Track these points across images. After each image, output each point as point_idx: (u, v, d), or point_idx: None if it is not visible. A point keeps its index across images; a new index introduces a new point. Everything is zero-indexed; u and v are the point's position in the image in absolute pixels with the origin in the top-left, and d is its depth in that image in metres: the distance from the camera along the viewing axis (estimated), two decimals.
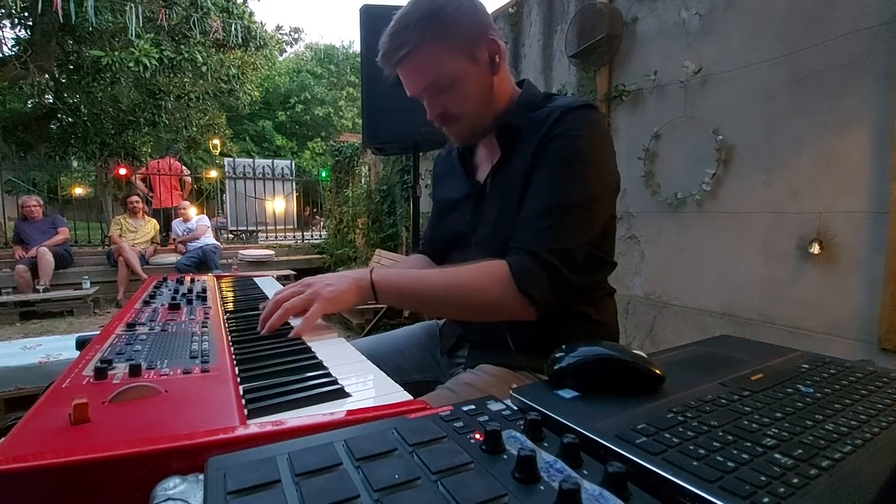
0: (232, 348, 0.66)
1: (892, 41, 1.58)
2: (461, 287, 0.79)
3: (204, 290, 1.05)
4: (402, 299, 0.86)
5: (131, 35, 7.55)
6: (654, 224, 2.45)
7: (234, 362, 0.60)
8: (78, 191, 11.20)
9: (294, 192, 8.73)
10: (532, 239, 0.78)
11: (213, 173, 9.98)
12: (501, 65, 0.87)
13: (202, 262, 5.60)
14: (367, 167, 6.69)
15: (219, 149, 13.85)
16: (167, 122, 10.47)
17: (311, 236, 8.24)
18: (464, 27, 0.82)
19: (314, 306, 0.76)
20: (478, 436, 0.37)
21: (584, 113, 0.82)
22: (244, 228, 8.05)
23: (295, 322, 0.77)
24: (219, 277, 1.37)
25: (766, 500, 0.30)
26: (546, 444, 0.36)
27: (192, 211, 6.12)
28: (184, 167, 7.00)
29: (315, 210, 10.86)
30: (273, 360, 0.62)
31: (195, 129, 11.86)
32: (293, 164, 9.40)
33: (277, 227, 8.08)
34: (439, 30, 0.81)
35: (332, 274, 0.86)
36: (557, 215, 0.78)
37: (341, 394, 0.51)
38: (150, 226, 5.84)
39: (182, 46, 8.67)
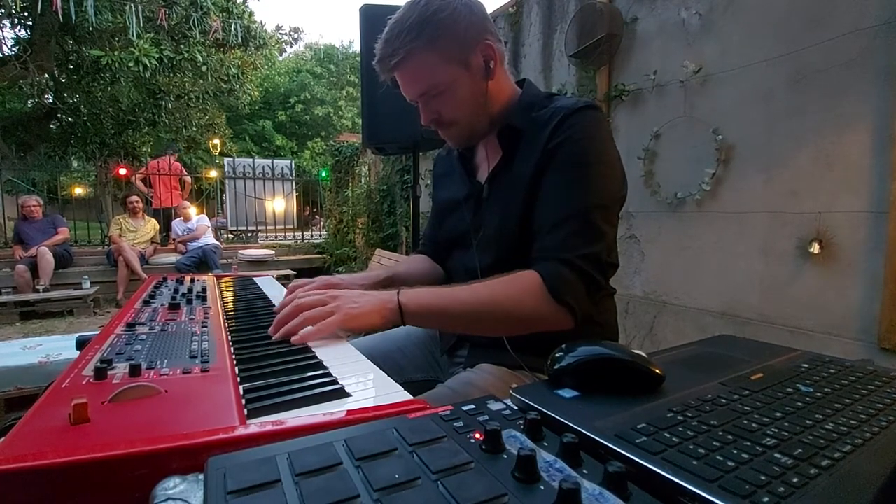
0: (232, 348, 0.66)
1: (892, 41, 1.58)
2: (495, 303, 0.76)
3: (204, 290, 1.05)
4: (432, 320, 0.82)
5: (131, 35, 7.54)
6: (654, 224, 2.45)
7: (234, 362, 0.60)
8: (78, 191, 11.20)
9: (294, 191, 8.73)
10: (560, 246, 0.77)
11: (213, 173, 9.98)
12: (497, 70, 0.86)
13: (202, 262, 5.60)
14: (366, 167, 6.69)
15: (219, 148, 13.84)
16: (167, 121, 10.46)
17: (311, 236, 8.24)
18: (457, 34, 0.81)
19: (332, 318, 0.72)
20: (478, 435, 0.37)
21: (588, 114, 0.81)
22: (244, 228, 8.04)
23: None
24: (219, 277, 1.37)
25: (765, 499, 0.30)
26: (546, 444, 0.36)
27: (192, 211, 6.11)
28: (183, 167, 7.00)
29: (315, 210, 10.87)
30: (273, 360, 0.62)
31: (195, 128, 11.85)
32: (293, 164, 9.40)
33: (277, 227, 8.09)
34: (432, 37, 0.80)
35: (358, 291, 0.82)
36: (580, 220, 0.77)
37: (341, 393, 0.51)
38: (150, 226, 5.84)
39: (182, 46, 8.66)
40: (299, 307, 0.74)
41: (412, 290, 0.80)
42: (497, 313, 0.76)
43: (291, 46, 17.41)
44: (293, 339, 0.69)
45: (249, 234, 8.10)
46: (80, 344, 0.92)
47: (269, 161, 8.31)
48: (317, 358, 0.63)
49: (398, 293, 0.78)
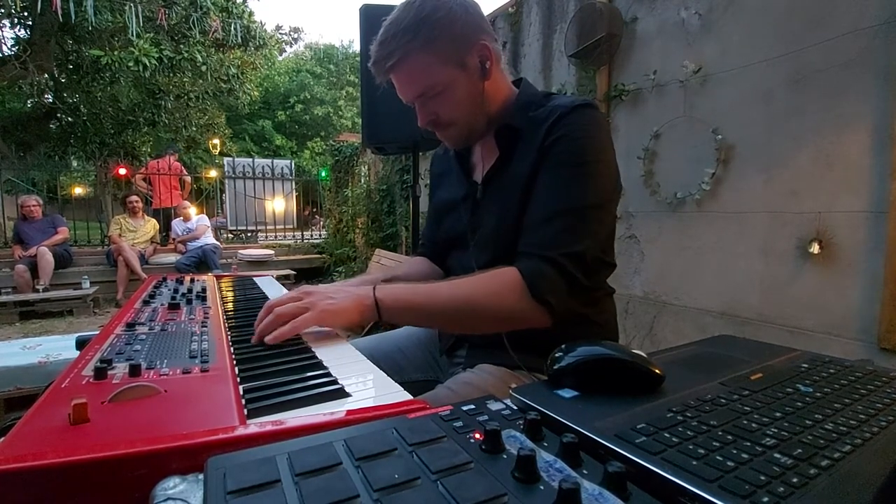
0: (231, 348, 0.66)
1: (892, 41, 1.58)
2: (473, 300, 0.75)
3: (203, 290, 1.05)
4: (409, 317, 0.81)
5: (131, 34, 7.55)
6: (653, 224, 2.45)
7: (234, 362, 0.60)
8: (77, 190, 11.20)
9: (294, 191, 8.73)
10: (544, 243, 0.76)
11: (213, 173, 9.98)
12: (493, 70, 0.85)
13: (202, 262, 5.60)
14: (366, 167, 6.69)
15: (218, 148, 13.84)
16: (167, 121, 10.46)
17: (311, 236, 8.24)
18: (453, 34, 0.81)
19: (306, 314, 0.70)
20: (477, 435, 0.37)
21: (586, 112, 0.81)
22: (244, 228, 8.05)
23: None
24: (218, 277, 1.37)
25: (765, 499, 0.30)
26: (546, 444, 0.36)
27: (191, 210, 6.11)
28: (183, 167, 7.00)
29: (315, 210, 10.86)
30: (273, 360, 0.62)
31: (195, 128, 11.85)
32: (293, 164, 9.40)
33: (277, 227, 8.09)
34: (427, 38, 0.79)
35: (335, 286, 0.81)
36: (569, 218, 0.76)
37: (341, 393, 0.51)
38: (150, 225, 5.84)
39: (181, 46, 8.66)
40: (270, 307, 0.72)
41: (389, 285, 0.79)
42: (475, 310, 0.76)
43: (291, 46, 17.42)
44: (267, 338, 0.68)
45: (249, 234, 8.10)
46: (80, 344, 0.92)
47: (268, 161, 8.31)
48: (317, 358, 0.63)
49: (374, 288, 0.77)
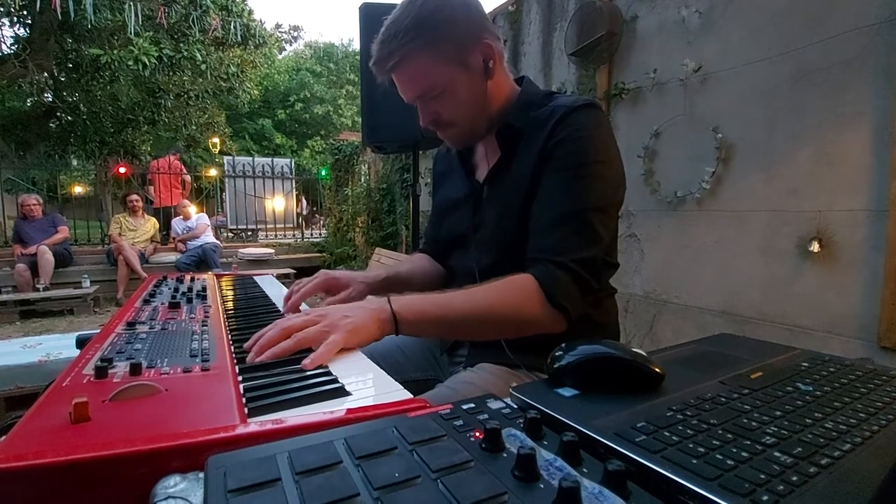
0: (232, 347, 0.66)
1: (892, 39, 1.58)
2: (492, 310, 0.74)
3: (204, 289, 1.05)
4: (427, 328, 0.78)
5: (130, 33, 7.55)
6: (653, 222, 2.45)
7: (235, 361, 0.60)
8: (77, 189, 11.18)
9: (294, 190, 8.73)
10: (554, 249, 0.76)
11: (213, 172, 9.98)
12: (496, 69, 0.85)
13: (202, 261, 5.60)
14: (366, 165, 6.70)
15: (218, 147, 13.84)
16: (166, 120, 10.47)
17: (311, 235, 8.25)
18: (455, 34, 0.80)
19: (332, 337, 0.65)
20: (478, 434, 0.37)
21: (588, 112, 0.80)
22: (244, 227, 8.05)
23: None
24: (219, 276, 1.37)
25: (765, 497, 0.30)
26: (546, 443, 0.36)
27: (191, 209, 6.11)
28: (184, 167, 7.00)
29: (315, 209, 10.86)
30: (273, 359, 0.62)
31: (194, 127, 11.86)
32: (293, 163, 9.39)
33: (277, 226, 8.09)
34: (429, 38, 0.79)
35: (346, 304, 0.76)
36: (576, 222, 0.76)
37: (341, 392, 0.51)
38: (150, 224, 5.84)
39: (181, 45, 8.66)
40: (288, 329, 0.66)
41: (405, 297, 0.76)
42: (494, 319, 0.75)
43: (291, 45, 17.38)
44: (304, 362, 0.60)
45: (249, 233, 8.10)
46: (81, 343, 0.92)
47: (268, 160, 8.31)
48: None
49: (389, 301, 0.73)
